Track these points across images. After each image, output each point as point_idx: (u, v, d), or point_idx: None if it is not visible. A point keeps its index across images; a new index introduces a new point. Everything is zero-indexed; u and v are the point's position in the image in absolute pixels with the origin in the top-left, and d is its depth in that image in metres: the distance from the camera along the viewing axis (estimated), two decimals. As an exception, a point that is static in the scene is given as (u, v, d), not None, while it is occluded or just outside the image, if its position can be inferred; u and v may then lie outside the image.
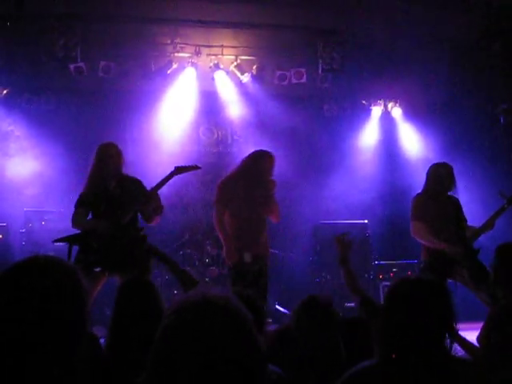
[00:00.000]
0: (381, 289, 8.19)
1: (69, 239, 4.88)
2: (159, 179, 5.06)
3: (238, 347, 1.24)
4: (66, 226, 5.14)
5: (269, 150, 5.61)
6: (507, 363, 2.09)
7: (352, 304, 6.19)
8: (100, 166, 5.01)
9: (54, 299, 1.47)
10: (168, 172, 5.15)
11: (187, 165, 5.34)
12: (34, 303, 1.44)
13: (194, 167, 5.38)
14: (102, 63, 8.08)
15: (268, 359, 1.40)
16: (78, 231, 4.97)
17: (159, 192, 5.06)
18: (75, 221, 4.95)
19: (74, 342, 1.49)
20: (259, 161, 5.49)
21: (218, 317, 1.26)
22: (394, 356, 1.97)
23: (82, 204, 4.99)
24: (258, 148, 5.77)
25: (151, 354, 1.27)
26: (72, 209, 5.02)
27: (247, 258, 5.25)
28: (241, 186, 5.39)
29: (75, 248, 4.88)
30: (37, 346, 1.42)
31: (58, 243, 4.96)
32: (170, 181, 5.12)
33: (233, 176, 5.55)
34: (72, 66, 7.87)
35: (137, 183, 5.14)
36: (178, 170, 5.20)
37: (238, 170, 5.56)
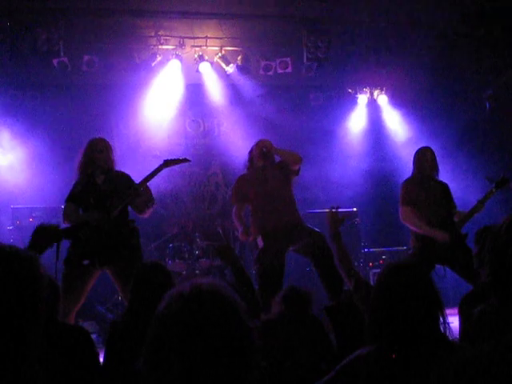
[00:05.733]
0: (371, 276, 8.23)
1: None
2: (147, 172, 5.05)
3: (229, 335, 1.25)
4: (55, 223, 5.11)
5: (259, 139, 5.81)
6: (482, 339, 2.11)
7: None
8: (88, 161, 5.01)
9: (6, 287, 1.48)
10: (156, 165, 5.14)
11: (176, 158, 5.32)
12: None
13: (183, 160, 5.37)
14: (86, 57, 8.00)
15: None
16: (69, 225, 4.96)
17: (149, 185, 5.05)
18: (65, 215, 4.95)
19: (26, 330, 1.50)
20: (250, 152, 5.73)
21: (208, 306, 1.27)
22: (394, 356, 1.97)
23: (71, 199, 4.99)
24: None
25: (146, 343, 1.29)
26: (59, 204, 5.01)
27: (260, 243, 5.27)
28: (250, 178, 5.63)
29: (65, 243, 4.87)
30: None
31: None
32: (159, 173, 5.11)
33: (244, 174, 5.80)
34: (55, 61, 7.79)
35: (125, 177, 5.14)
36: (167, 163, 5.19)
37: (246, 167, 5.80)
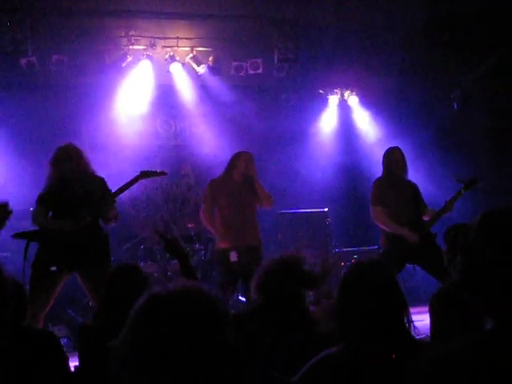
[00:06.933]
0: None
1: (27, 235, 4.80)
2: (118, 176, 5.01)
3: (209, 338, 1.25)
4: (23, 225, 5.03)
5: (244, 151, 5.92)
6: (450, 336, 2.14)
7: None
8: (57, 168, 4.93)
9: None
10: (131, 173, 5.11)
11: (153, 170, 5.32)
12: None
13: (160, 173, 5.39)
14: (55, 57, 7.88)
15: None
16: (37, 228, 4.89)
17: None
18: (35, 219, 4.88)
19: None
20: (235, 159, 5.76)
21: (187, 307, 1.26)
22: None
23: (41, 202, 4.92)
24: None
25: (120, 343, 1.28)
26: (27, 206, 4.94)
27: (233, 257, 5.46)
28: (225, 185, 5.69)
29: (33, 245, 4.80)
30: None
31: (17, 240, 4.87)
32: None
33: (219, 177, 5.86)
34: (23, 61, 7.66)
35: (99, 182, 5.07)
36: (143, 174, 5.17)
37: (223, 171, 5.87)
